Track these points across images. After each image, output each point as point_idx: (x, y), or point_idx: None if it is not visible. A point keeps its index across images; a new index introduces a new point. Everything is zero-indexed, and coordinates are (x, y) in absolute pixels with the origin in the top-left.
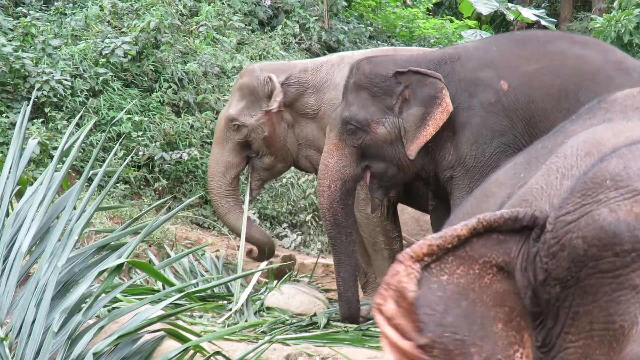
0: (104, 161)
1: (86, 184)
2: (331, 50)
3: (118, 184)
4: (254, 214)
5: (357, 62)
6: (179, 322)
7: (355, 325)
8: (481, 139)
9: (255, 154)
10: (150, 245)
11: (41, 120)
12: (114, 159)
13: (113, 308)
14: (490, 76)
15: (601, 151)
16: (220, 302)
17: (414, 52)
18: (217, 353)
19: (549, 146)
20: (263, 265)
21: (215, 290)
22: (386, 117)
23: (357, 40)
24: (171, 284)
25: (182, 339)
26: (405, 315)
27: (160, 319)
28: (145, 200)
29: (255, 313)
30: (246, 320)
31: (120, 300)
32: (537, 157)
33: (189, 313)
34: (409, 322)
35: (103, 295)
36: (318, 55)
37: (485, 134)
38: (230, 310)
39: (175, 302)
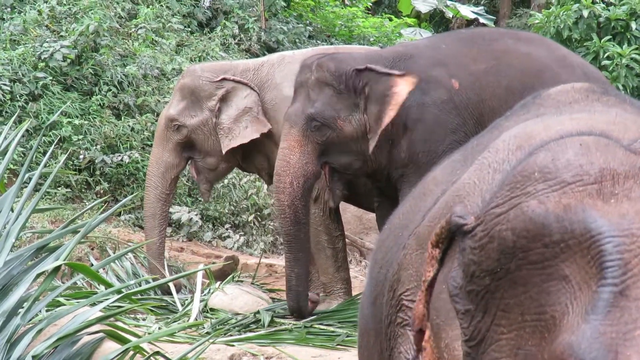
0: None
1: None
2: (271, 50)
3: (59, 188)
4: (196, 215)
5: (315, 59)
6: (120, 324)
7: (299, 324)
8: (434, 136)
9: (197, 155)
10: (92, 249)
11: None
12: (54, 163)
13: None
14: (442, 74)
15: (532, 145)
16: (160, 303)
17: (354, 51)
18: (157, 353)
19: (484, 142)
20: (202, 265)
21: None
22: (352, 114)
23: (297, 40)
24: (110, 285)
25: (122, 340)
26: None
27: (99, 320)
28: (87, 203)
29: (198, 314)
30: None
31: (61, 303)
32: (472, 153)
33: (132, 316)
34: None
35: (41, 297)
36: (258, 56)
37: (438, 132)
38: (174, 312)
39: (115, 304)
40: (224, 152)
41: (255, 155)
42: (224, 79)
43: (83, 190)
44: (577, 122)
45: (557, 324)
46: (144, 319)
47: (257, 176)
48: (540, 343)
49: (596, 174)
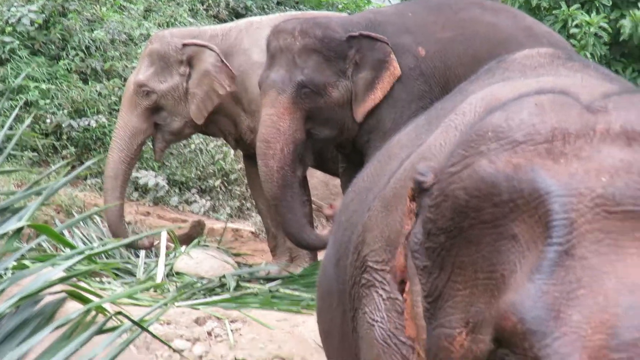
0: (10, 128)
1: None
2: (239, 16)
3: (26, 151)
4: (163, 179)
5: (293, 25)
6: (84, 285)
7: (265, 288)
8: (400, 103)
9: (164, 120)
10: (58, 212)
11: None
12: (20, 126)
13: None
14: (409, 42)
15: (495, 106)
16: (125, 266)
17: (321, 17)
18: (119, 313)
19: (449, 107)
20: (166, 229)
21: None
22: (340, 81)
23: (265, 6)
24: (72, 247)
25: (84, 301)
26: None
27: (62, 280)
28: (54, 167)
29: (163, 277)
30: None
31: (25, 266)
32: (437, 117)
33: (97, 279)
34: None
35: (4, 258)
36: (226, 22)
37: (404, 98)
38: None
39: (79, 266)
40: (194, 118)
41: (221, 120)
42: (185, 45)
43: (50, 154)
44: (541, 83)
45: (506, 282)
46: (108, 282)
47: (224, 142)
48: (490, 301)
49: (547, 134)
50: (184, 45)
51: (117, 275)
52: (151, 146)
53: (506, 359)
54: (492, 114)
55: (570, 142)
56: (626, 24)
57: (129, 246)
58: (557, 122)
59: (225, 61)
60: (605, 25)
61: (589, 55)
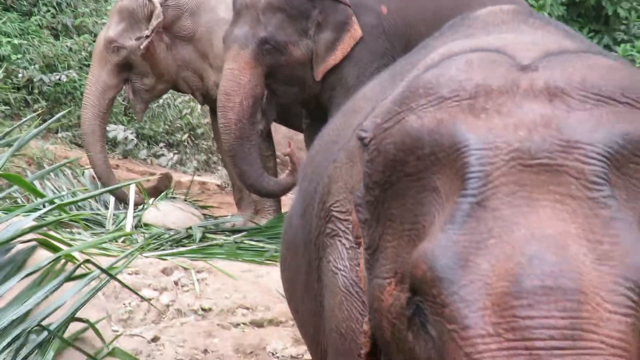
0: None
1: None
2: None
3: None
4: (132, 133)
5: None
6: (54, 234)
7: (230, 239)
8: (362, 61)
9: (135, 76)
10: (30, 165)
11: None
12: None
13: None
14: (372, 0)
15: None
16: (95, 217)
17: None
18: (87, 261)
19: (413, 62)
20: (134, 182)
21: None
22: (302, 40)
23: None
24: (42, 196)
25: (55, 249)
26: None
27: (33, 229)
28: (25, 119)
29: (132, 228)
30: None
31: None
32: (401, 72)
33: (67, 229)
34: None
35: None
36: None
37: (367, 56)
38: (106, 226)
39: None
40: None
41: (189, 76)
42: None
43: (21, 108)
44: (484, 42)
45: (426, 233)
46: (78, 233)
47: (191, 97)
48: (411, 251)
49: (471, 90)
50: (149, 1)
51: (87, 226)
52: (120, 102)
53: (420, 306)
54: (429, 71)
55: (493, 98)
56: None
57: (113, 195)
58: (483, 79)
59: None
60: None
61: (546, 15)
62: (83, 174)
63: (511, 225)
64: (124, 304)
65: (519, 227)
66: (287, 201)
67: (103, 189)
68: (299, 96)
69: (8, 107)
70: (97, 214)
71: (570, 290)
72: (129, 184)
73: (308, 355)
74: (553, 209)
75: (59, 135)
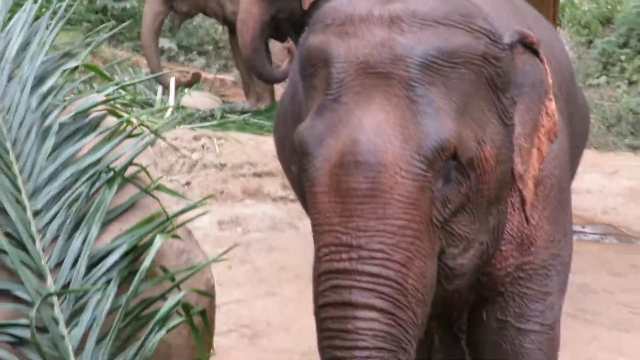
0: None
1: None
2: None
3: (83, 23)
4: (174, 44)
5: None
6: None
7: (240, 118)
8: None
9: (176, 3)
10: (104, 63)
11: None
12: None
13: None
14: None
15: None
16: (147, 98)
17: None
18: (141, 124)
19: None
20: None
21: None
22: None
23: None
24: (111, 80)
25: (119, 116)
26: None
27: (104, 102)
28: (101, 33)
29: (173, 109)
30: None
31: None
32: None
33: (128, 108)
34: None
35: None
36: None
37: None
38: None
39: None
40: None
41: (214, 6)
42: None
43: (98, 25)
44: None
45: (306, 116)
46: (136, 110)
47: (217, 20)
48: None
49: (343, 18)
50: None
51: (142, 106)
52: (167, 21)
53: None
54: (330, 3)
55: (355, 24)
56: None
57: (157, 81)
58: (352, 10)
59: None
60: None
61: None
62: (141, 71)
63: (352, 115)
64: (167, 160)
65: (355, 116)
66: (281, 92)
67: (154, 74)
68: (292, 21)
69: (90, 24)
70: (149, 98)
71: (373, 164)
72: (170, 73)
73: (293, 196)
74: (381, 104)
75: (124, 44)
